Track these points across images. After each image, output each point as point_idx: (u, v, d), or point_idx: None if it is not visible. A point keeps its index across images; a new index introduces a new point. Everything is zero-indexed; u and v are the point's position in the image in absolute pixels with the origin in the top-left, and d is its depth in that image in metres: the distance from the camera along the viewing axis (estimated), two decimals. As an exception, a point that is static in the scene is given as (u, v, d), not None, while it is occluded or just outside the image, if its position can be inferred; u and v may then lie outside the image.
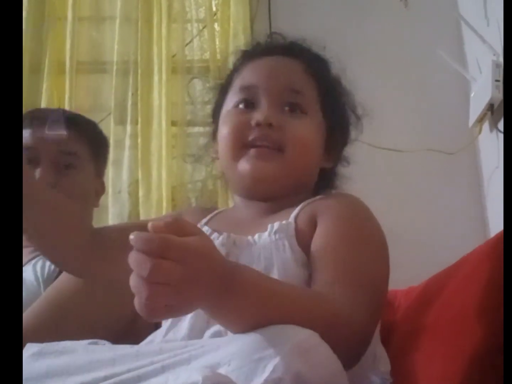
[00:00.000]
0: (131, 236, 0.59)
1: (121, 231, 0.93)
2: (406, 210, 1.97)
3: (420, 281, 1.22)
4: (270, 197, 0.96)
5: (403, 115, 2.07)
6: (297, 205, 0.94)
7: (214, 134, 1.06)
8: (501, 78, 1.69)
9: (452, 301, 0.97)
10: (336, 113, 1.02)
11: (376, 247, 0.87)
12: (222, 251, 0.88)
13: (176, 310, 0.61)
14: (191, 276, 0.59)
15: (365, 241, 0.86)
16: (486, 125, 1.87)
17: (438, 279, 1.16)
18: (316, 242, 0.85)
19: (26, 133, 1.33)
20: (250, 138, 0.95)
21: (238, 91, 1.00)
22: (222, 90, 1.06)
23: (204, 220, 1.00)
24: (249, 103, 0.98)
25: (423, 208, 1.98)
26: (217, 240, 0.92)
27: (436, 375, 0.94)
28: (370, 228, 0.90)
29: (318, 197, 0.97)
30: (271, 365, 0.60)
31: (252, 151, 0.94)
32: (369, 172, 2.00)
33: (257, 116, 0.95)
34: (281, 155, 0.94)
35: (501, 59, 1.71)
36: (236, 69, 1.05)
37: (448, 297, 1.02)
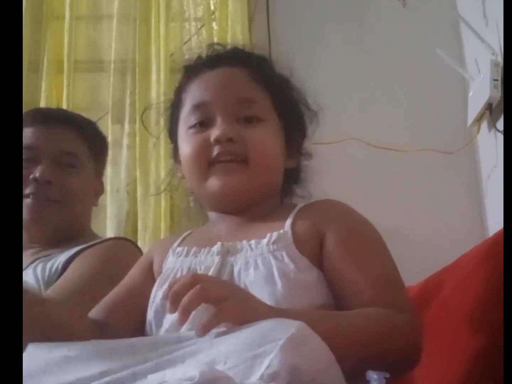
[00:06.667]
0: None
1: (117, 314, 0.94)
2: (405, 209, 1.97)
3: (418, 280, 1.22)
4: (243, 209, 0.97)
5: (402, 115, 2.07)
6: (270, 210, 0.96)
7: (175, 155, 1.06)
8: (499, 77, 1.69)
9: (450, 300, 0.97)
10: (290, 112, 1.02)
11: (382, 244, 0.91)
12: (217, 260, 0.89)
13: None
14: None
15: (375, 242, 0.90)
16: (484, 125, 1.87)
17: (436, 278, 1.16)
18: (335, 254, 0.87)
19: (27, 133, 1.33)
20: (214, 154, 0.95)
21: (191, 110, 0.98)
22: (173, 109, 1.05)
23: (176, 244, 1.00)
24: (205, 121, 0.97)
25: (421, 207, 1.98)
26: (211, 249, 0.92)
27: (436, 375, 0.94)
28: (371, 229, 0.92)
29: (309, 203, 0.98)
30: (267, 360, 0.60)
31: (218, 166, 0.94)
32: (367, 172, 2.00)
33: (215, 133, 0.94)
34: (247, 166, 0.95)
35: (500, 59, 1.71)
36: (183, 86, 1.04)
37: (446, 297, 1.02)
